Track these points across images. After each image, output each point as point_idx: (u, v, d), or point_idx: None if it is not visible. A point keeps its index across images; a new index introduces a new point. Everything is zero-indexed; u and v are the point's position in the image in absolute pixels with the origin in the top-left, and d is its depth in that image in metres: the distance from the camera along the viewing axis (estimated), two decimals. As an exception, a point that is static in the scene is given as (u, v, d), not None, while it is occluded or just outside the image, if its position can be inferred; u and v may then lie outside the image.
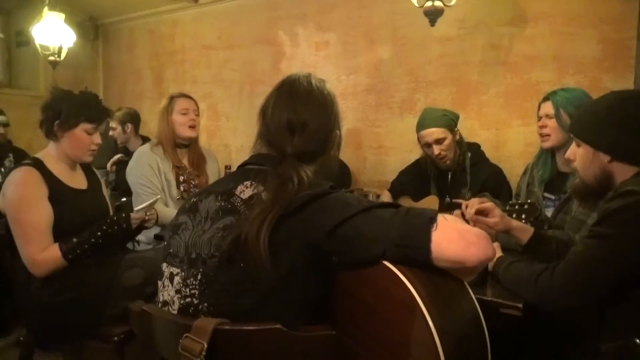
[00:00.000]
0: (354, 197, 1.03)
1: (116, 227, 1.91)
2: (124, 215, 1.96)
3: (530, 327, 1.49)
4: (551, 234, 1.77)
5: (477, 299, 0.99)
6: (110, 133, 3.74)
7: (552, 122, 2.01)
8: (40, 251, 1.81)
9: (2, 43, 4.53)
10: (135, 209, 1.99)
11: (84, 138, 1.96)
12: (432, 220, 0.91)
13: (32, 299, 1.86)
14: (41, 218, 1.83)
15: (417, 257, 0.91)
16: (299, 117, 1.14)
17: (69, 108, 1.93)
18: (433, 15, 2.20)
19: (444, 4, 2.22)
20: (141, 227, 2.05)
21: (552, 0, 2.70)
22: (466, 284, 0.99)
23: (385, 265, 0.95)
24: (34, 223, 1.82)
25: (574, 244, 1.68)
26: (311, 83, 1.19)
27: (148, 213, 2.05)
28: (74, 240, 1.84)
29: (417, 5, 2.30)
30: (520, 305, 1.36)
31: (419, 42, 3.15)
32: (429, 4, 2.20)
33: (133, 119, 3.74)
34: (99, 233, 1.87)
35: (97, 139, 2.00)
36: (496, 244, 1.67)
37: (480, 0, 2.90)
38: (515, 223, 1.68)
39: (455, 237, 0.90)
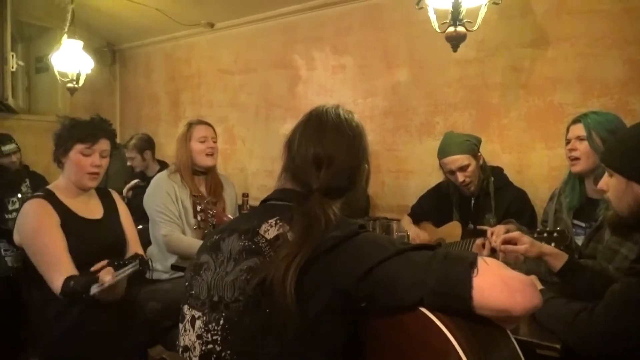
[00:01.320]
0: (386, 238, 0.97)
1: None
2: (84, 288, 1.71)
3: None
4: (584, 262, 1.69)
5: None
6: (129, 163, 3.73)
7: (583, 145, 1.93)
8: (61, 275, 1.74)
9: (22, 70, 4.59)
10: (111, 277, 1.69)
11: (80, 160, 1.91)
12: (473, 265, 0.85)
13: (47, 333, 1.82)
14: (57, 243, 1.80)
15: (458, 306, 0.85)
16: (326, 150, 1.08)
17: (62, 133, 1.92)
18: (455, 40, 2.15)
19: (466, 29, 2.17)
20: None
21: (574, 21, 2.65)
22: (508, 330, 0.93)
23: (421, 311, 0.89)
24: (51, 247, 1.79)
25: (608, 274, 1.61)
26: (339, 115, 1.14)
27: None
28: (83, 282, 1.70)
29: (438, 30, 2.25)
30: (557, 345, 1.29)
31: (437, 65, 3.11)
32: (450, 29, 2.15)
33: (150, 145, 3.75)
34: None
35: (95, 160, 1.93)
36: (533, 277, 1.60)
37: (500, 22, 2.86)
38: (547, 248, 1.61)
39: (498, 284, 0.83)
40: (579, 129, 1.96)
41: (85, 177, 1.93)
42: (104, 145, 1.97)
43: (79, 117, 2.01)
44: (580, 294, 1.41)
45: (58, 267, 1.77)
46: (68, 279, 1.73)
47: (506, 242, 1.65)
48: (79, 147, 1.91)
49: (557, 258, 1.58)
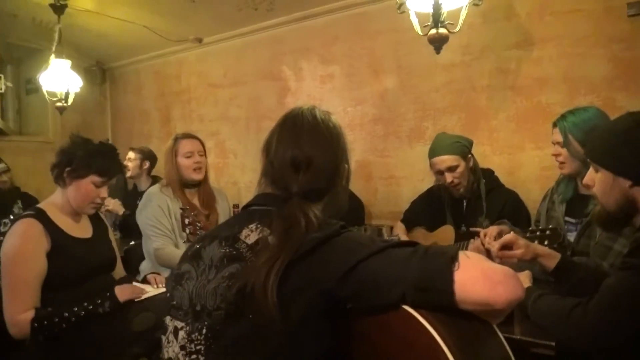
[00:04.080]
0: (368, 237, 0.96)
1: (100, 310, 1.80)
2: (108, 294, 1.83)
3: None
4: (578, 260, 1.68)
5: (505, 337, 0.91)
6: (125, 162, 3.71)
7: (564, 151, 1.92)
8: (22, 311, 1.72)
9: (12, 92, 4.59)
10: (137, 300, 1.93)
11: (90, 190, 1.91)
12: (454, 259, 0.84)
13: (31, 356, 1.78)
14: (33, 276, 1.77)
15: (440, 301, 0.83)
16: (304, 152, 1.07)
17: (82, 157, 1.89)
18: (438, 42, 2.16)
19: (448, 30, 2.18)
20: None
21: (557, 22, 2.67)
22: (494, 325, 0.91)
23: (405, 309, 0.87)
24: (25, 279, 1.75)
25: (602, 271, 1.59)
26: (316, 116, 1.12)
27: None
28: (49, 310, 1.74)
29: (420, 33, 2.27)
30: (552, 343, 1.27)
31: (423, 70, 3.13)
32: (433, 31, 2.16)
33: (152, 159, 3.77)
34: (82, 312, 1.76)
35: (103, 193, 1.95)
36: (526, 273, 1.58)
37: (484, 25, 2.88)
38: (541, 249, 1.59)
39: (480, 277, 0.82)
40: (557, 135, 1.94)
41: (89, 206, 1.95)
42: (114, 180, 2.01)
43: (92, 139, 2.00)
44: (575, 292, 1.39)
45: (20, 301, 1.74)
46: (37, 309, 1.74)
47: (503, 247, 1.63)
48: (94, 178, 1.90)
49: (551, 258, 1.56)
